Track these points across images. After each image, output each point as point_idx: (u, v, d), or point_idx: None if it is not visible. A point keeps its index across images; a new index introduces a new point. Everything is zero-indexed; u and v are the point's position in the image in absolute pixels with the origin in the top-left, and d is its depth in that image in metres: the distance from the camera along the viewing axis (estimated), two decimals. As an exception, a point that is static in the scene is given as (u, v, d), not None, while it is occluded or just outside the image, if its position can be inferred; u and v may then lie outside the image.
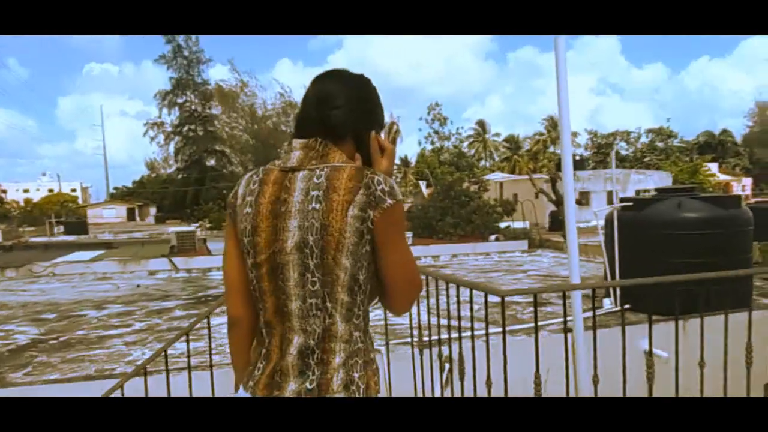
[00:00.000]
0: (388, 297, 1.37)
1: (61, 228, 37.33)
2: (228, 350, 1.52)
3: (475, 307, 6.08)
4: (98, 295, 10.02)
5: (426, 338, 4.20)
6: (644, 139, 62.16)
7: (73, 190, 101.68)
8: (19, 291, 10.88)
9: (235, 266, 1.38)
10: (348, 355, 1.29)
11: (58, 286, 11.38)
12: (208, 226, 36.61)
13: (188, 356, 3.14)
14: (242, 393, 1.37)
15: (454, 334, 3.70)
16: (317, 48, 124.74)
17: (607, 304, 7.69)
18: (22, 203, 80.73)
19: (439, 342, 3.86)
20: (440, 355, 3.78)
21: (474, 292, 3.47)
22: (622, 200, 7.74)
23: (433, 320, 3.76)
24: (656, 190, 8.11)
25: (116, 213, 74.33)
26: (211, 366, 3.75)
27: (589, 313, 5.74)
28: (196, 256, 16.70)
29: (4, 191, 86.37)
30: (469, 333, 3.85)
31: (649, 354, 3.39)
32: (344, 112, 1.36)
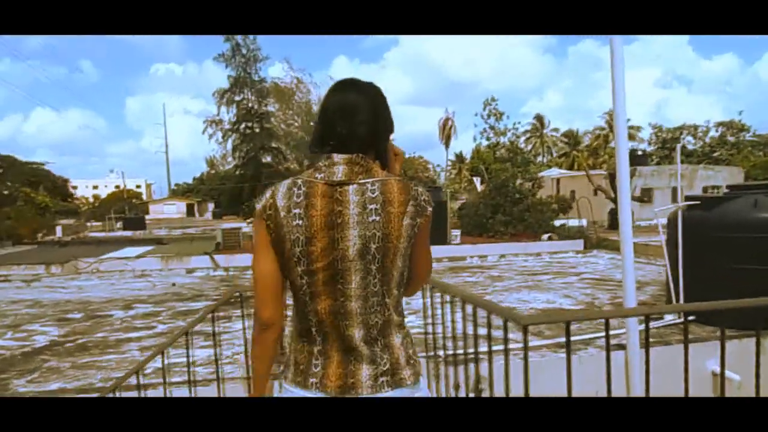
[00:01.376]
0: (412, 284, 1.57)
1: (120, 224, 38.32)
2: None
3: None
4: (131, 293, 9.85)
5: (442, 354, 3.74)
6: (713, 133, 58.91)
7: (138, 187, 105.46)
8: (58, 288, 10.87)
9: (271, 272, 1.45)
10: (402, 337, 1.49)
11: (96, 284, 11.33)
12: (259, 222, 36.88)
13: (138, 389, 2.68)
14: (292, 389, 1.47)
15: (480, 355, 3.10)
16: (372, 45, 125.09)
17: (668, 315, 6.86)
18: (91, 199, 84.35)
19: (455, 360, 3.29)
20: (467, 383, 3.19)
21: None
22: (687, 198, 6.88)
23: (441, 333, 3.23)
24: (728, 186, 7.19)
25: (176, 209, 76.40)
26: (189, 382, 3.30)
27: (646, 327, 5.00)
28: (240, 253, 16.57)
29: (75, 187, 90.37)
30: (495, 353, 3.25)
31: (722, 376, 2.74)
32: (369, 125, 1.46)
